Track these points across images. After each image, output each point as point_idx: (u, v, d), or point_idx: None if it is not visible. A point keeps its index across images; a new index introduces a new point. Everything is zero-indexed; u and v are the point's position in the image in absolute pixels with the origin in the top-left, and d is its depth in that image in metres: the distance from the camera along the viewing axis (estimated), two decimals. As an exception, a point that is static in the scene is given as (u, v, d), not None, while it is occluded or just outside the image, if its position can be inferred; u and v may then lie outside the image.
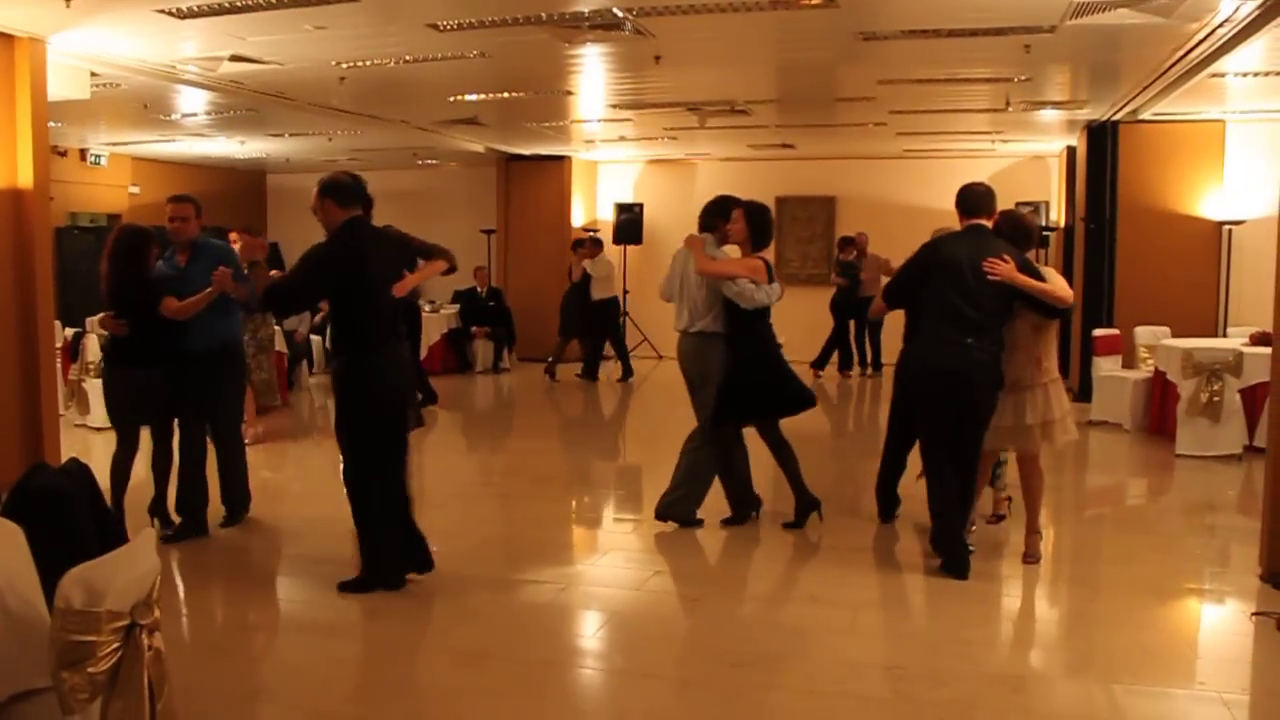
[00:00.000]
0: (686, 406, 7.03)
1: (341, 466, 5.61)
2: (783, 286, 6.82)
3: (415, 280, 5.86)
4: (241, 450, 7.12)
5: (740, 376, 6.63)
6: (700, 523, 6.89)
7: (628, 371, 14.81)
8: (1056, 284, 5.89)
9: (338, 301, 5.54)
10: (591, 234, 15.92)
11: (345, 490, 5.60)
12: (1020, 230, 6.16)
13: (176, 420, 6.83)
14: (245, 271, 6.78)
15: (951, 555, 5.92)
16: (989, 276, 5.67)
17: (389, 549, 5.56)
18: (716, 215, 6.90)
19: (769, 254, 6.96)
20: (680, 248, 7.00)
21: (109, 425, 10.26)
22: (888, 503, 7.09)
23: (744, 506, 7.02)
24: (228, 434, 7.00)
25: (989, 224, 5.96)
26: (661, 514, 6.90)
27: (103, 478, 4.26)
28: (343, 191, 5.52)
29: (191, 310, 6.46)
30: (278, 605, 5.81)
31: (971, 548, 5.98)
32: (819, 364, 14.99)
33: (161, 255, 6.79)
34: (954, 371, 5.75)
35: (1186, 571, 6.27)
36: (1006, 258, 5.72)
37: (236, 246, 9.36)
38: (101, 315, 6.70)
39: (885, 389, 13.07)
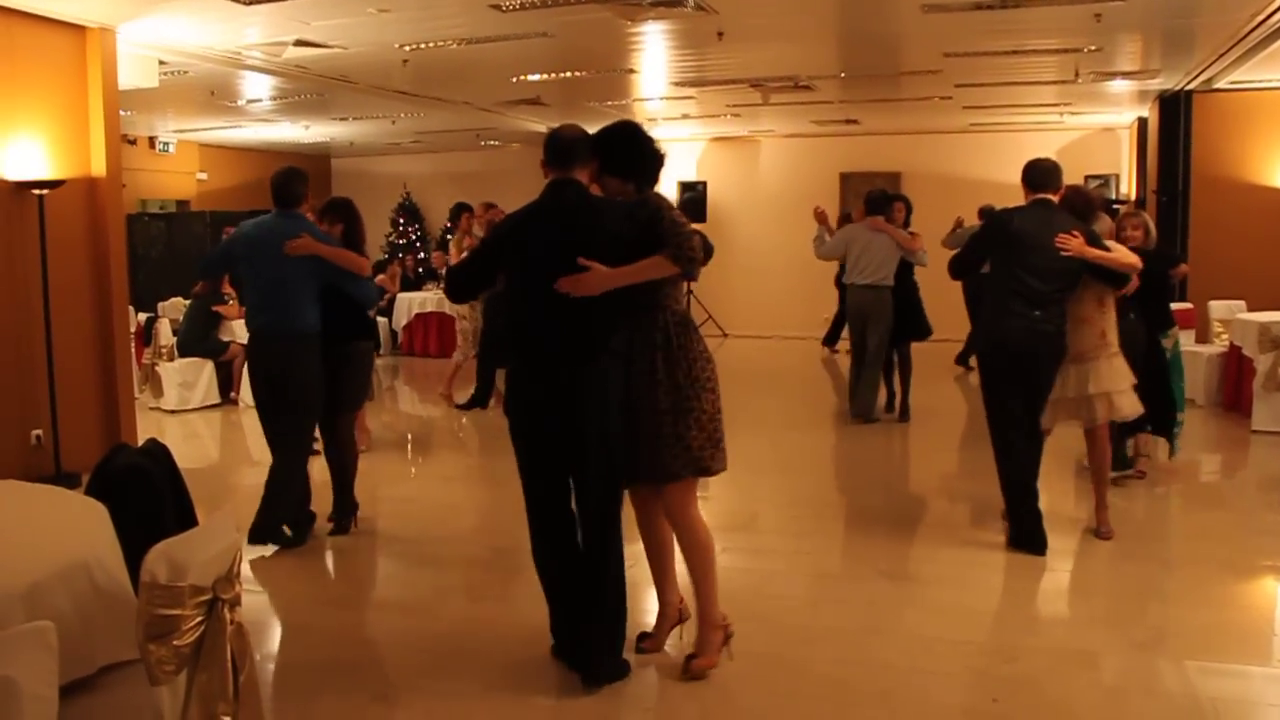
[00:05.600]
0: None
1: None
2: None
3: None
4: None
5: (907, 308, 9.57)
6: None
7: None
8: (1121, 252, 5.92)
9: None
10: None
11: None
12: (1087, 205, 6.20)
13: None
14: None
15: (1026, 529, 5.90)
16: (1061, 252, 5.65)
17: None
18: (885, 204, 9.60)
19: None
20: (854, 224, 9.87)
21: (183, 408, 10.60)
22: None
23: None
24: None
25: (1055, 199, 5.92)
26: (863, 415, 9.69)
27: (182, 459, 4.33)
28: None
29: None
30: (355, 583, 5.90)
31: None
32: (831, 341, 14.93)
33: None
34: (1021, 345, 5.75)
35: (1263, 548, 6.14)
36: (1076, 233, 5.69)
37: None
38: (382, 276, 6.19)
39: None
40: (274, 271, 5.90)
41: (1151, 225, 7.15)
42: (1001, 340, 5.84)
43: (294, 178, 6.10)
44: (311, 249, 5.90)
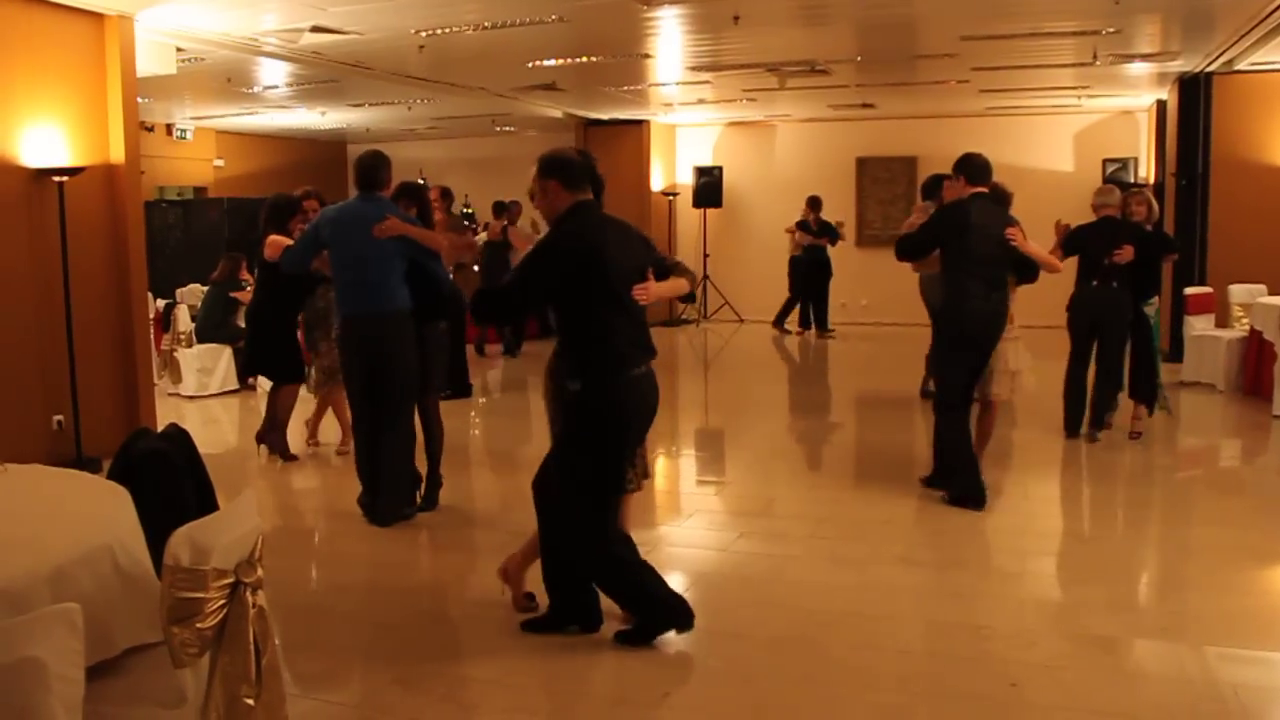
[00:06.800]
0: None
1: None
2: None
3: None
4: None
5: None
6: None
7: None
8: (1047, 256, 6.82)
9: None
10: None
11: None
12: (1007, 198, 6.93)
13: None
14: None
15: (975, 485, 6.37)
16: (1011, 243, 6.29)
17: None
18: (933, 188, 9.12)
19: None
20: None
21: (201, 394, 10.65)
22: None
23: None
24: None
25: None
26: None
27: (203, 444, 4.35)
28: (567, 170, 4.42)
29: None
30: (375, 567, 5.93)
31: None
32: (821, 323, 15.38)
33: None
34: (984, 325, 6.37)
35: (1284, 534, 6.13)
36: (1019, 226, 6.39)
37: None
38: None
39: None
40: (361, 252, 6.07)
41: (1154, 202, 7.99)
42: (968, 320, 6.36)
43: (380, 163, 6.34)
44: (400, 230, 6.08)
